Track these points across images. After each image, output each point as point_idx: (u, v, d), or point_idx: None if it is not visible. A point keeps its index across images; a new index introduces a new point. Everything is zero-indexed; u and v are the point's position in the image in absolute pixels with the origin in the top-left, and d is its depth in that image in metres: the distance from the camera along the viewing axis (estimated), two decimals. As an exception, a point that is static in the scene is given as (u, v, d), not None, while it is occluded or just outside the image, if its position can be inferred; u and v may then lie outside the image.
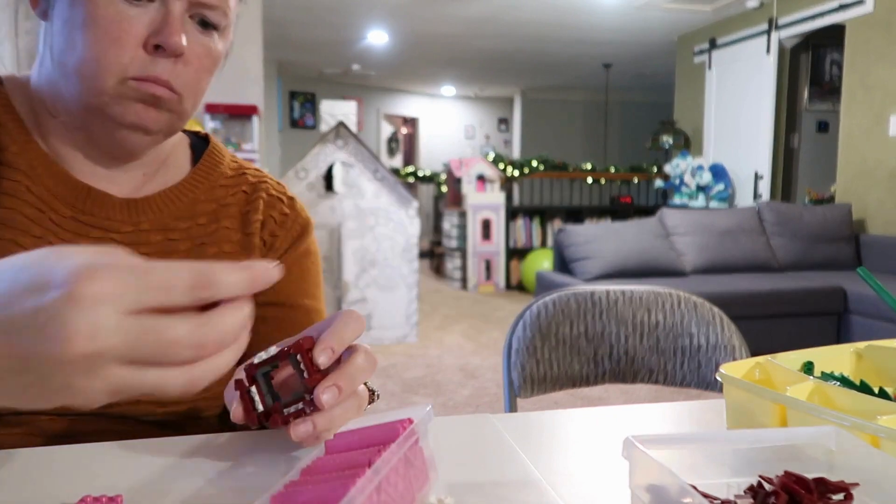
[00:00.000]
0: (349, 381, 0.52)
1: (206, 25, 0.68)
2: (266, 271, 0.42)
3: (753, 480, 0.43)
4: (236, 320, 0.40)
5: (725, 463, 0.47)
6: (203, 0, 0.66)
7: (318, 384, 0.50)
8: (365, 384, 0.56)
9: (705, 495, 0.38)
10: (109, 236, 0.71)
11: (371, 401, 0.57)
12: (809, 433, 0.46)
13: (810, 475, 0.41)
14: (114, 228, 0.72)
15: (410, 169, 8.59)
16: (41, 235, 0.68)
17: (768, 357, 0.66)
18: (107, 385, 0.36)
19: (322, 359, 0.50)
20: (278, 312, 0.79)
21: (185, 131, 0.84)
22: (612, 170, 7.50)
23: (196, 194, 0.78)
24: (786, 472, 0.41)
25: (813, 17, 5.40)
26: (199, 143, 0.84)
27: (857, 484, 0.41)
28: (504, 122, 12.29)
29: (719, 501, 0.41)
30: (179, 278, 0.37)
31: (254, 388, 0.53)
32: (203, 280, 0.38)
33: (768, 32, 5.85)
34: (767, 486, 0.41)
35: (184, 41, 0.64)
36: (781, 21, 5.74)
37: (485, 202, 6.41)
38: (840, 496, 0.40)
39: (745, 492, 0.42)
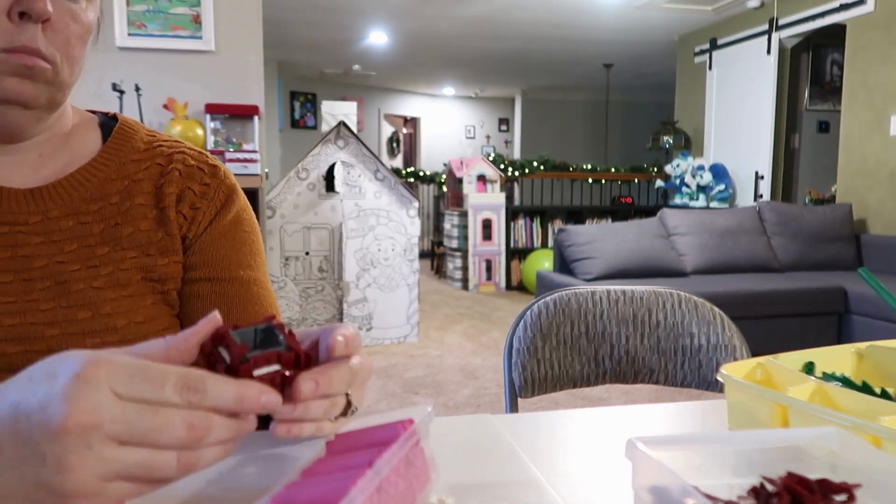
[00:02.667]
0: (329, 381, 0.48)
1: None
2: (261, 396, 0.43)
3: (756, 481, 0.43)
4: (226, 423, 0.42)
5: (728, 464, 0.47)
6: None
7: (301, 373, 0.47)
8: (346, 394, 0.53)
9: (708, 496, 0.37)
10: (17, 230, 0.69)
11: (345, 413, 0.53)
12: (812, 434, 0.46)
13: (813, 476, 0.41)
14: (20, 221, 0.69)
15: (411, 169, 8.59)
16: None
17: (769, 357, 0.66)
18: (99, 464, 0.38)
19: (306, 389, 0.47)
20: (214, 287, 0.76)
21: (94, 112, 0.80)
22: (613, 170, 7.50)
23: (106, 173, 0.74)
24: (788, 473, 0.41)
25: (814, 17, 5.40)
26: (110, 123, 0.79)
27: (859, 485, 0.41)
28: (505, 123, 12.30)
29: (722, 502, 0.40)
30: (172, 374, 0.40)
31: (222, 349, 0.47)
32: (193, 383, 0.40)
33: (769, 32, 5.85)
34: (770, 487, 0.41)
35: (49, 6, 0.62)
36: (782, 21, 5.74)
37: (485, 202, 6.41)
38: (843, 497, 0.40)
39: (747, 493, 0.42)
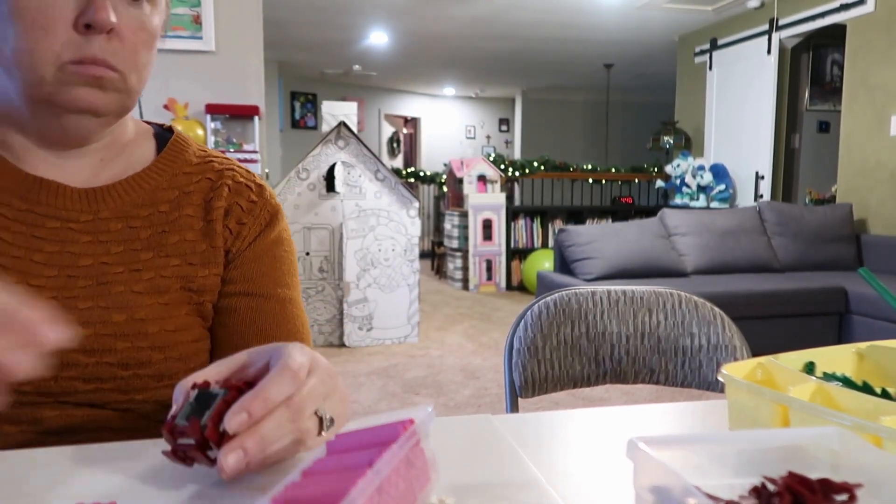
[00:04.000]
0: (259, 443, 0.48)
1: None
2: (42, 329, 0.45)
3: (757, 481, 0.43)
4: None
5: (729, 464, 0.47)
6: None
7: (225, 444, 0.47)
8: (315, 412, 0.52)
9: (709, 496, 0.37)
10: (67, 226, 0.71)
11: (320, 430, 0.53)
12: (813, 434, 0.46)
13: (814, 476, 0.41)
14: (72, 218, 0.71)
15: (411, 169, 8.59)
16: None
17: (770, 357, 0.66)
18: None
19: (233, 423, 0.47)
20: (251, 302, 0.77)
21: (150, 123, 0.83)
22: (613, 170, 7.50)
23: (158, 182, 0.76)
24: (790, 473, 0.41)
25: (814, 17, 5.40)
26: (165, 135, 0.82)
27: (861, 485, 0.40)
28: (505, 123, 12.30)
29: (723, 502, 0.40)
30: None
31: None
32: None
33: (769, 32, 5.85)
34: (771, 487, 0.41)
35: (112, 17, 0.64)
36: (782, 21, 5.73)
37: (486, 202, 6.41)
38: (844, 497, 0.40)
39: (748, 493, 0.42)
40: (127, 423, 0.70)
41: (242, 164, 0.84)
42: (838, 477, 0.42)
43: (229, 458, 0.47)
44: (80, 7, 0.63)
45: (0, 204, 0.69)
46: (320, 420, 0.53)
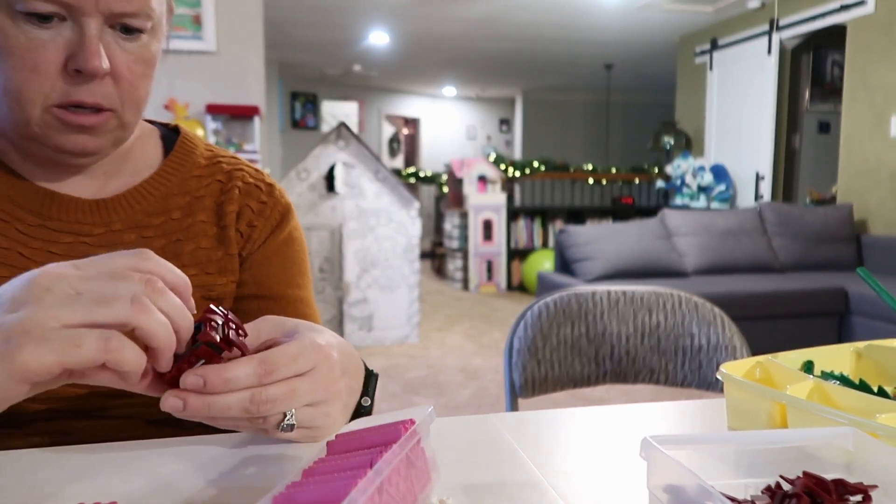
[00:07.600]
0: (219, 379, 0.48)
1: (131, 31, 0.63)
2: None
3: (770, 481, 0.43)
4: (175, 300, 0.48)
5: (738, 463, 0.47)
6: (119, 11, 0.61)
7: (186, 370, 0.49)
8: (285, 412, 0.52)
9: (725, 496, 0.37)
10: (81, 240, 0.69)
11: (278, 426, 0.53)
12: (826, 434, 0.46)
13: (827, 476, 0.41)
14: (84, 232, 0.70)
15: (412, 170, 8.59)
16: (8, 247, 0.67)
17: (768, 356, 0.66)
18: (57, 299, 0.44)
19: (189, 381, 0.48)
20: (262, 305, 0.76)
21: (154, 123, 0.81)
22: (614, 170, 7.50)
23: (168, 188, 0.75)
24: (805, 474, 0.41)
25: (814, 18, 5.40)
26: (171, 135, 0.80)
27: (875, 486, 0.40)
28: (505, 123, 12.29)
29: (739, 502, 0.40)
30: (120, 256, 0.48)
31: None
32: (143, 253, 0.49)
33: (769, 33, 5.85)
34: (787, 486, 0.41)
35: (103, 63, 0.61)
36: (783, 22, 5.74)
37: (486, 203, 6.41)
38: (858, 498, 0.40)
39: (762, 492, 0.42)
40: (154, 431, 0.70)
41: (250, 163, 0.83)
42: (852, 477, 0.42)
43: (189, 378, 0.48)
44: (70, 50, 0.61)
45: (13, 219, 0.68)
46: (283, 416, 0.52)
